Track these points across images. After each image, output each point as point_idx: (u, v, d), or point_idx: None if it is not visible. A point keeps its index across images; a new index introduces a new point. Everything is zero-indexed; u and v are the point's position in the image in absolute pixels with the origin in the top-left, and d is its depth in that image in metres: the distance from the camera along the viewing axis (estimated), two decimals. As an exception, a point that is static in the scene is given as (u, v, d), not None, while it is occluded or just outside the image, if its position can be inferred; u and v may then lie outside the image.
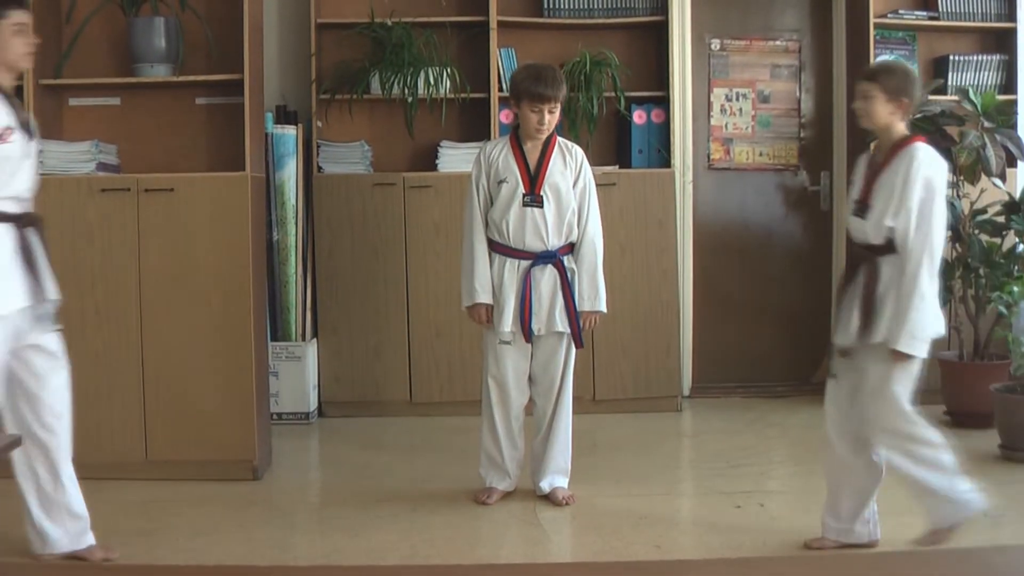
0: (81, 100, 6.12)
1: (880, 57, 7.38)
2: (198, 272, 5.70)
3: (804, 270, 7.93)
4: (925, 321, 4.41)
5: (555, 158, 5.33)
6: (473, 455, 5.59)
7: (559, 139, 5.40)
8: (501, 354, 5.40)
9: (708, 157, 7.87)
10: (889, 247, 4.48)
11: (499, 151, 5.37)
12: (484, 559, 4.78)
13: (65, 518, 4.59)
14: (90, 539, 4.64)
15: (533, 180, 5.28)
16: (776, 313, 7.93)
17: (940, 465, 4.49)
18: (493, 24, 7.10)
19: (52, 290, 4.55)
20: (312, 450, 6.72)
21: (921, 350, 4.43)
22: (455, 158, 7.10)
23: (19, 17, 4.39)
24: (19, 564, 2.67)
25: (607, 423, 6.88)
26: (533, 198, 5.27)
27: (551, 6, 7.28)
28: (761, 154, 7.88)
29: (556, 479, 5.46)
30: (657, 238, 7.17)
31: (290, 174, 7.03)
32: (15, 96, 4.47)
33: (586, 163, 5.42)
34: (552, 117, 5.25)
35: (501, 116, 7.13)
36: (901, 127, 4.57)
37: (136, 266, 5.70)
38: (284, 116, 7.14)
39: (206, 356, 5.75)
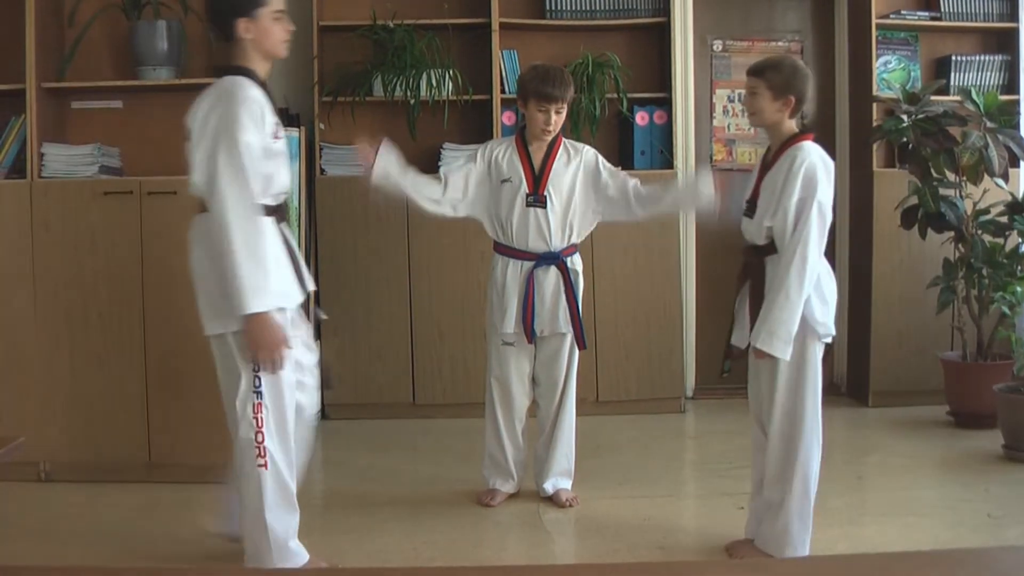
0: (84, 103, 6.11)
1: (882, 58, 7.39)
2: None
3: (807, 271, 7.90)
4: (786, 321, 4.32)
5: (559, 158, 5.33)
6: (476, 457, 5.59)
7: (564, 140, 5.41)
8: (504, 355, 5.41)
9: (710, 158, 7.86)
10: (772, 247, 4.45)
11: (503, 151, 5.37)
12: (487, 561, 4.78)
13: None
14: None
15: (537, 180, 5.29)
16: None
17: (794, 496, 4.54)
18: (495, 26, 7.11)
19: (310, 281, 4.55)
20: (315, 452, 6.71)
21: (780, 350, 4.36)
22: (458, 160, 7.09)
23: (278, 4, 4.38)
24: (16, 567, 2.67)
25: (610, 424, 6.89)
26: (536, 198, 5.27)
27: (553, 7, 7.28)
28: (764, 155, 7.86)
29: (560, 481, 5.46)
30: (660, 240, 7.17)
31: (292, 177, 7.02)
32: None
33: (591, 155, 5.42)
34: (559, 118, 5.27)
35: (503, 118, 7.14)
36: (790, 125, 4.51)
37: (139, 269, 5.71)
38: (286, 119, 7.13)
39: (209, 359, 5.72)
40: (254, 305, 4.10)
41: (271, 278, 4.15)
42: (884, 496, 5.10)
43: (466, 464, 5.87)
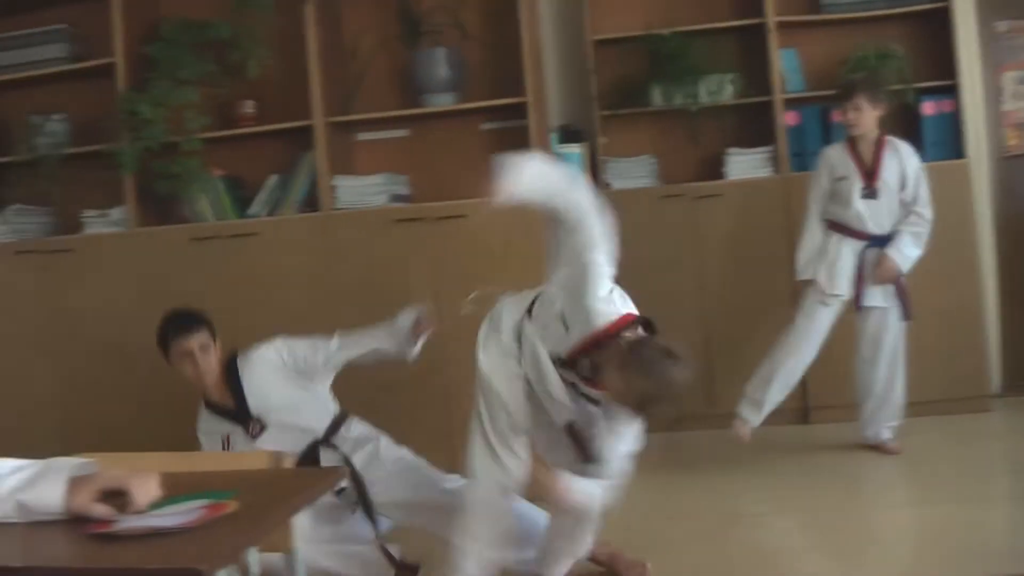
0: (369, 134, 6.26)
1: None
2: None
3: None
4: None
5: (888, 156, 6.10)
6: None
7: (888, 139, 6.15)
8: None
9: (1003, 144, 7.53)
10: None
11: (836, 152, 6.18)
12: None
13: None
14: None
15: (869, 175, 6.06)
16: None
17: None
18: (771, 25, 6.96)
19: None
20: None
21: None
22: (743, 164, 7.00)
23: None
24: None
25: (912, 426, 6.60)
26: (870, 191, 6.06)
27: (829, 1, 7.09)
28: (1062, 137, 7.52)
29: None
30: (955, 232, 6.86)
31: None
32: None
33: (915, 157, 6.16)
34: (858, 114, 6.03)
35: (786, 119, 6.98)
36: None
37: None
38: (569, 135, 7.13)
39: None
40: None
41: None
42: None
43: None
